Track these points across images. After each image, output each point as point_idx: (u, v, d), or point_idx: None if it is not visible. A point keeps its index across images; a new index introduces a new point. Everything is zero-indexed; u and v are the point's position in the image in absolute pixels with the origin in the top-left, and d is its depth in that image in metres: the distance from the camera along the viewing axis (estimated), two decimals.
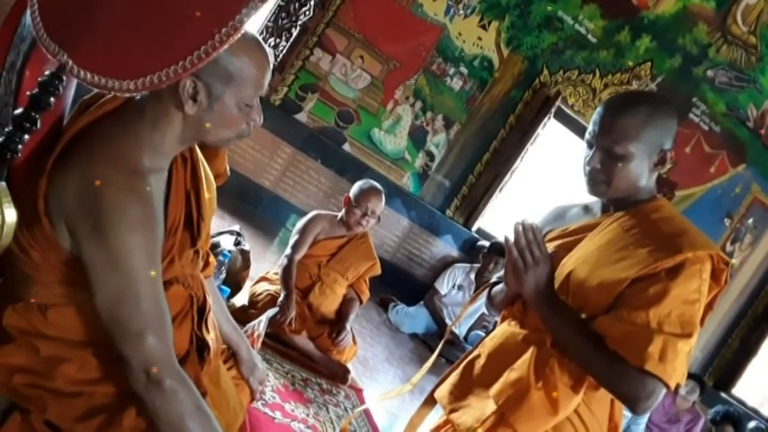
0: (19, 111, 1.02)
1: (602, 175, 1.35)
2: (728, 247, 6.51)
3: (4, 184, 1.01)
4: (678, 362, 1.21)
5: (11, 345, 1.11)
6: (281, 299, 2.92)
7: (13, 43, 1.08)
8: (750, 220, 6.56)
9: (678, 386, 1.26)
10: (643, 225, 1.33)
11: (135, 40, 1.01)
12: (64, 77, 1.01)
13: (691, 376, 4.61)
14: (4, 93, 1.08)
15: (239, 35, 0.97)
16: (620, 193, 1.37)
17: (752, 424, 5.15)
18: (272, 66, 1.19)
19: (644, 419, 4.53)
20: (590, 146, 1.37)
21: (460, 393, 1.45)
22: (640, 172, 1.34)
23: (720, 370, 6.77)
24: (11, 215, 1.00)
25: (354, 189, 3.19)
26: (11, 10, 1.09)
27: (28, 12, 1.04)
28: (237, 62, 1.10)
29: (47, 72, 1.01)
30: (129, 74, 0.98)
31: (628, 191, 1.37)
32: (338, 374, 3.01)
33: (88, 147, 1.08)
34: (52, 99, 1.01)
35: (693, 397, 4.84)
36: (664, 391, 1.23)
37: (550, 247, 1.43)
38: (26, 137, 1.02)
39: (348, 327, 3.12)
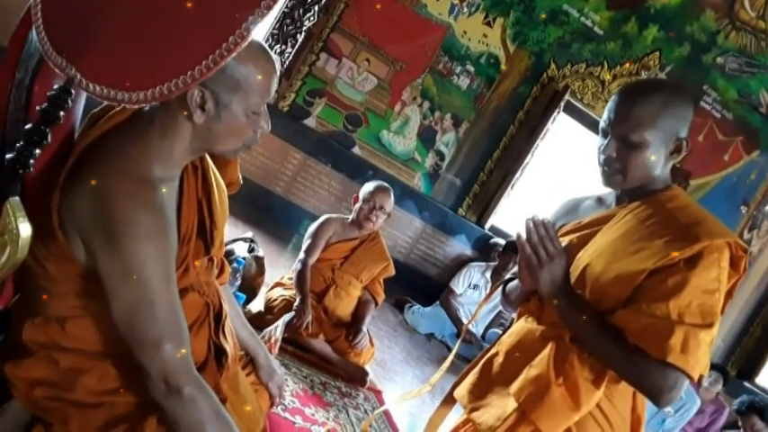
0: (29, 126, 1.03)
1: (617, 164, 1.33)
2: (746, 235, 6.43)
3: (17, 198, 1.02)
4: (700, 352, 1.19)
5: (31, 358, 1.13)
6: (296, 303, 2.92)
7: (20, 60, 1.09)
8: (767, 207, 6.47)
9: (701, 377, 1.24)
10: (659, 215, 1.31)
11: (142, 51, 1.01)
12: (72, 91, 1.02)
13: (713, 367, 4.55)
14: (14, 109, 1.09)
15: (246, 43, 0.97)
16: (635, 182, 1.35)
17: None
18: (278, 73, 1.19)
19: (686, 418, 4.43)
20: (605, 134, 1.35)
21: (480, 392, 1.44)
22: (656, 161, 1.33)
23: (743, 359, 6.68)
24: (25, 229, 1.01)
25: (363, 188, 3.23)
26: (18, 27, 1.10)
27: (34, 28, 1.05)
28: (244, 70, 1.10)
29: (55, 86, 1.01)
30: (137, 85, 0.98)
31: (643, 180, 1.35)
32: (357, 377, 3.01)
33: (99, 159, 1.09)
34: (61, 113, 1.02)
35: (717, 388, 4.78)
36: (687, 382, 1.21)
37: (564, 241, 1.41)
38: (37, 151, 1.03)
39: (364, 329, 3.12)
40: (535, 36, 5.57)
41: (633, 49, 5.78)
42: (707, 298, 1.21)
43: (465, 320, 4.87)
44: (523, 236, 1.37)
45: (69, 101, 1.02)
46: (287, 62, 5.12)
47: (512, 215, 5.85)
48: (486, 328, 5.05)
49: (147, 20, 1.01)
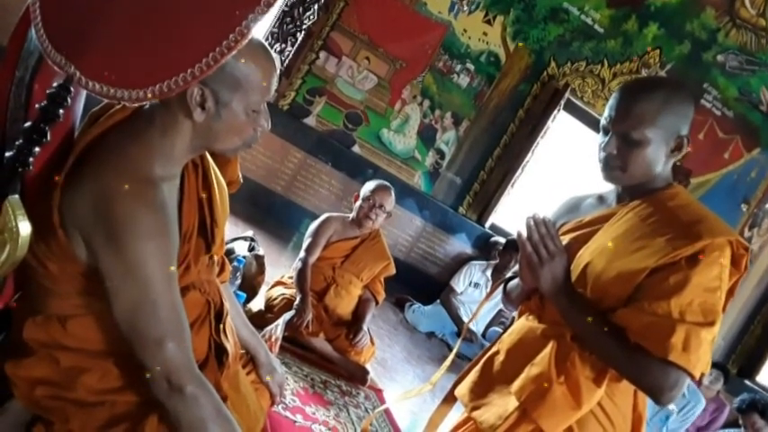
0: (28, 124, 1.03)
1: (617, 161, 1.33)
2: (747, 233, 6.42)
3: (17, 197, 1.02)
4: (702, 351, 1.19)
5: (32, 357, 1.13)
6: (296, 302, 2.92)
7: (20, 58, 1.08)
8: (767, 205, 6.47)
9: (702, 375, 1.24)
10: (660, 213, 1.31)
11: (142, 49, 1.01)
12: (71, 89, 1.02)
13: (714, 365, 4.55)
14: (14, 107, 1.08)
15: (246, 41, 0.97)
16: (635, 179, 1.35)
17: None
18: (278, 71, 1.19)
19: (690, 418, 4.42)
20: (606, 132, 1.35)
21: (481, 391, 1.44)
22: (657, 158, 1.33)
23: (743, 357, 6.68)
24: (25, 228, 1.01)
25: (363, 187, 3.24)
26: (17, 25, 1.10)
27: (33, 26, 1.05)
28: (244, 68, 1.09)
29: (55, 84, 1.01)
30: (138, 83, 0.98)
31: (644, 178, 1.35)
32: (357, 375, 3.01)
33: (99, 157, 1.09)
34: (61, 111, 1.02)
35: (717, 386, 4.78)
36: (688, 380, 1.22)
37: (565, 239, 1.41)
38: (36, 149, 1.03)
39: (365, 327, 3.12)
40: (535, 34, 5.56)
41: (633, 47, 5.78)
42: (708, 296, 1.21)
43: (465, 319, 4.87)
44: (524, 234, 1.36)
45: (69, 99, 1.02)
46: (287, 61, 5.11)
47: (512, 213, 5.85)
48: (487, 327, 5.05)
49: (147, 18, 1.01)
